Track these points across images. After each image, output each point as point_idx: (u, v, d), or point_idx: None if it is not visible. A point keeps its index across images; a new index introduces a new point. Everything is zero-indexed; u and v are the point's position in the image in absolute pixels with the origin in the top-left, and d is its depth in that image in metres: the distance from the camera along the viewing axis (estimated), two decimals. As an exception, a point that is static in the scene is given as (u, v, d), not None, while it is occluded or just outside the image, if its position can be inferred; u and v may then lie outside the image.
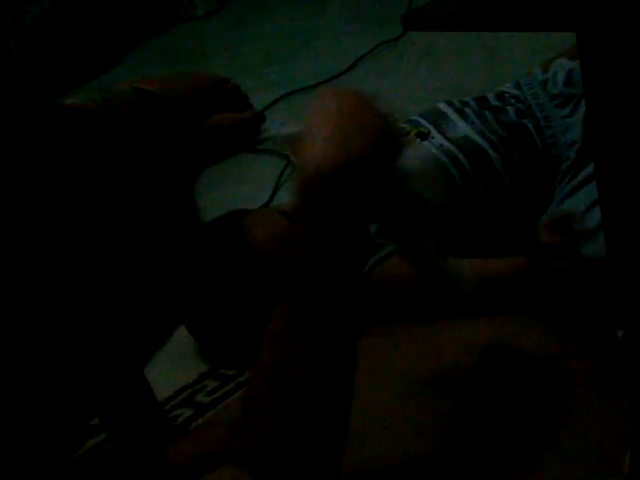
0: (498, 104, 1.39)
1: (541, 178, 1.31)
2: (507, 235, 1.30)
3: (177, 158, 1.99)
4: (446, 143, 1.32)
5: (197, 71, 2.25)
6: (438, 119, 1.37)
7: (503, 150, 1.31)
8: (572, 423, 0.99)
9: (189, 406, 1.22)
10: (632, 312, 0.78)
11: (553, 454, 0.96)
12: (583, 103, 1.32)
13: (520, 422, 1.02)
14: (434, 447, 1.02)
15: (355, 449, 1.04)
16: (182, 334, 1.39)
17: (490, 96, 1.42)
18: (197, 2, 3.49)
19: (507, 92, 1.42)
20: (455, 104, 1.39)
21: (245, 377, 1.25)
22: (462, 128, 1.33)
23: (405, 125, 1.36)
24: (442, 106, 1.39)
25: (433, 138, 1.33)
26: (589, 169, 1.25)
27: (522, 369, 1.11)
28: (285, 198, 1.75)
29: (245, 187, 1.88)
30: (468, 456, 0.99)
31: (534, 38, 2.20)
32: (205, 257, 1.29)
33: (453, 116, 1.36)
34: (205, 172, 2.02)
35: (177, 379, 1.29)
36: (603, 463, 0.93)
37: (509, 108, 1.37)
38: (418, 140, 1.33)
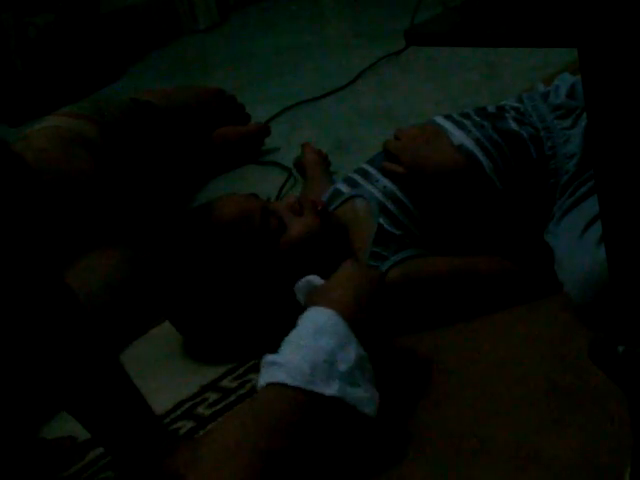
0: (496, 113, 1.39)
1: (538, 188, 1.31)
2: (505, 245, 1.31)
3: (180, 162, 2.03)
4: None
5: (201, 83, 2.29)
6: None
7: (497, 157, 1.32)
8: (572, 437, 0.99)
9: (190, 419, 1.22)
10: (633, 327, 0.78)
11: (553, 469, 0.96)
12: (585, 115, 1.32)
13: (520, 436, 1.02)
14: (432, 459, 1.02)
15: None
16: (183, 347, 1.40)
17: (490, 107, 1.42)
18: (199, 16, 3.51)
19: (508, 104, 1.43)
20: (453, 117, 1.40)
21: (246, 389, 1.25)
22: (458, 137, 1.34)
23: None
24: (439, 119, 1.40)
25: None
26: (588, 185, 1.26)
27: (519, 382, 1.11)
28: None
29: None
30: (463, 469, 0.99)
31: (535, 53, 2.21)
32: (180, 245, 1.30)
33: (451, 128, 1.36)
34: (210, 183, 2.03)
35: (178, 392, 1.29)
36: (603, 478, 0.93)
37: (507, 116, 1.37)
38: None
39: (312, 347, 1.01)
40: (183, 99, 2.02)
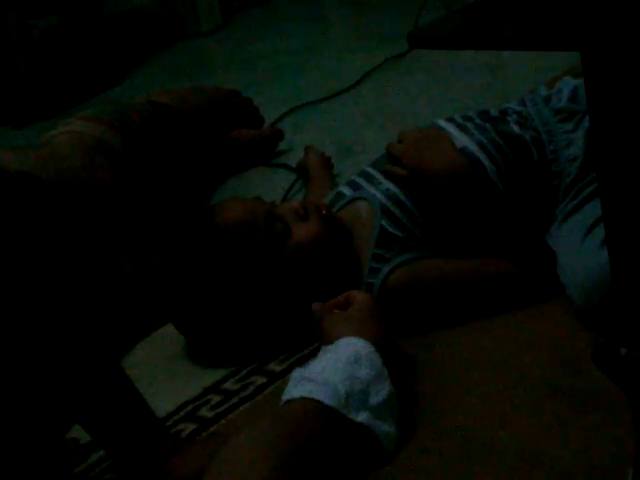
0: (499, 116, 1.40)
1: (540, 191, 1.31)
2: (508, 247, 1.31)
3: (196, 165, 2.04)
4: None
5: (209, 85, 2.29)
6: None
7: (500, 160, 1.32)
8: (574, 440, 0.99)
9: (192, 421, 1.22)
10: (636, 330, 0.78)
11: (556, 471, 0.96)
12: (587, 119, 1.32)
13: (523, 438, 1.02)
14: (435, 462, 1.02)
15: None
16: (185, 349, 1.40)
17: (492, 110, 1.43)
18: (202, 18, 3.51)
19: (510, 108, 1.43)
20: (456, 119, 1.40)
21: (249, 391, 1.25)
22: (461, 140, 1.34)
23: None
24: (442, 122, 1.40)
25: None
26: (590, 188, 1.26)
27: (522, 385, 1.11)
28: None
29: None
30: (466, 471, 0.99)
31: (538, 56, 2.21)
32: (184, 249, 1.31)
33: (453, 131, 1.36)
34: (220, 185, 2.04)
35: (181, 394, 1.29)
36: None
37: (510, 119, 1.38)
38: None
39: (351, 374, 1.04)
40: (197, 100, 2.02)
